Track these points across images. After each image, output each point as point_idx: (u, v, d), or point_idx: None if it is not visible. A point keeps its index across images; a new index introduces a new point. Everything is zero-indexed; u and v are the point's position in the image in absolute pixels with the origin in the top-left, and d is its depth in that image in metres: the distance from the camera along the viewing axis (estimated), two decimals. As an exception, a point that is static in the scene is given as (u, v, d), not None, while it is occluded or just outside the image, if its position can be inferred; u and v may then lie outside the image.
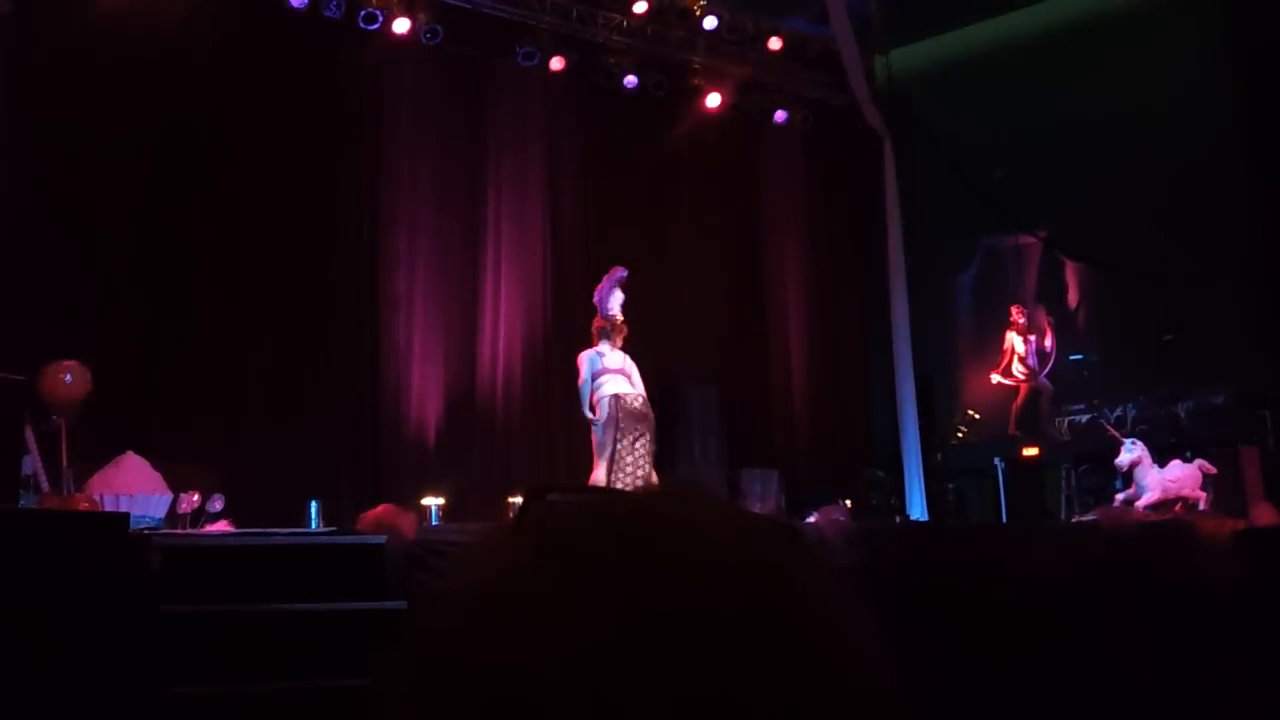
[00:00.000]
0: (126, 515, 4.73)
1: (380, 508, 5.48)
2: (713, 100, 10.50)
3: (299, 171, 8.42)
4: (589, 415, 7.49)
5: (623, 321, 7.71)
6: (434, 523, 7.16)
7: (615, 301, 7.76)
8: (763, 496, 9.00)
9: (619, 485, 7.33)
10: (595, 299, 7.87)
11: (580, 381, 7.60)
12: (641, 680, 0.53)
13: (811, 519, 7.39)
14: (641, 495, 0.66)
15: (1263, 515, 7.97)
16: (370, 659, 0.64)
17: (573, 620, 0.54)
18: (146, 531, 5.04)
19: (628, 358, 7.69)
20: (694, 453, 8.79)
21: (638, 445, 7.43)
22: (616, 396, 7.48)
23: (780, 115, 10.96)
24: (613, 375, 7.52)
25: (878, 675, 0.60)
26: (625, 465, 7.35)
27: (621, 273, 7.83)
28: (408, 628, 0.60)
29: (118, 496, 6.22)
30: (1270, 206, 9.35)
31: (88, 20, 7.59)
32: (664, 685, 0.53)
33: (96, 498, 6.03)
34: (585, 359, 7.63)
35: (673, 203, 10.41)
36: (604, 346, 7.62)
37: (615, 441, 7.37)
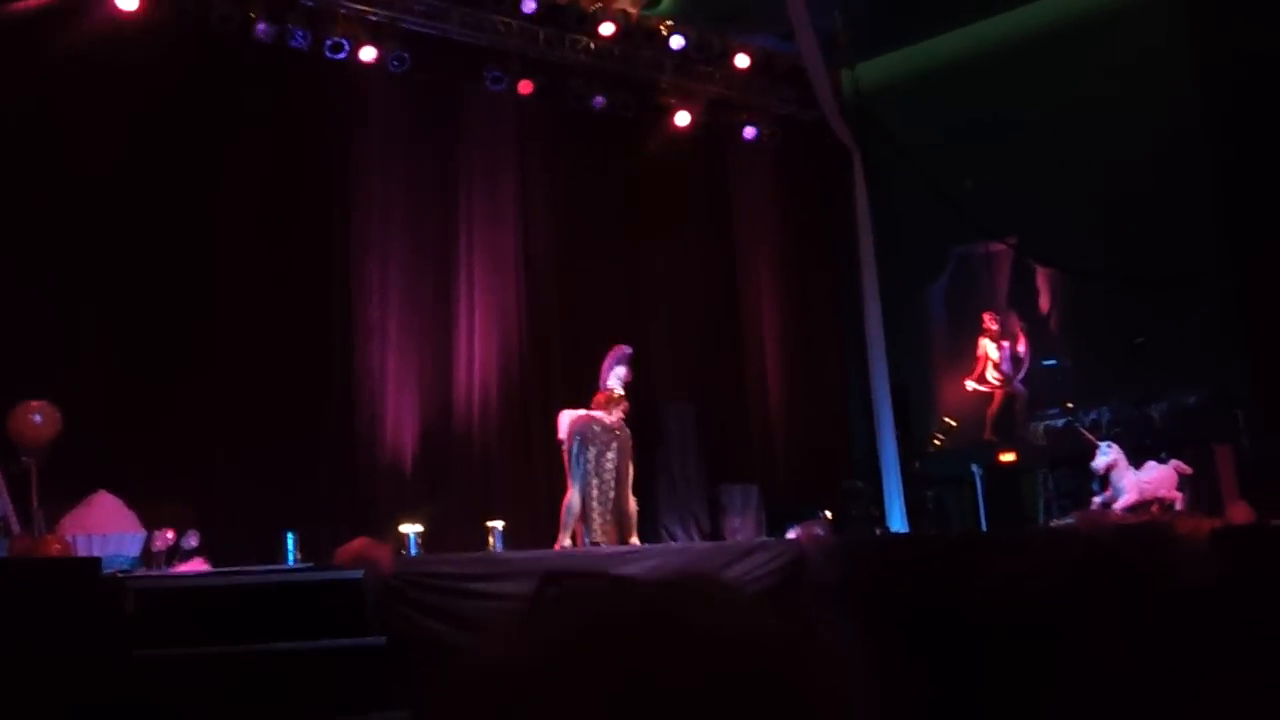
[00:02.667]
0: (98, 560, 4.68)
1: (356, 541, 5.45)
2: (682, 119, 10.53)
3: (269, 203, 8.39)
4: (561, 438, 7.52)
5: (621, 396, 7.68)
6: (413, 550, 7.13)
7: (615, 377, 7.73)
8: (743, 511, 9.00)
9: (590, 507, 7.30)
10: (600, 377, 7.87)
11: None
12: None
13: (791, 534, 7.40)
14: (657, 587, 0.66)
15: (1238, 514, 8.03)
16: None
17: (577, 706, 0.55)
18: (120, 575, 4.99)
19: (624, 425, 7.67)
20: (673, 471, 8.78)
21: (605, 461, 7.41)
22: (584, 415, 7.48)
23: (749, 132, 11.01)
24: (601, 424, 7.52)
25: None
26: (593, 485, 7.34)
27: (623, 351, 7.82)
28: (427, 703, 0.61)
29: (90, 536, 6.15)
30: (1237, 207, 9.46)
31: (50, 56, 7.55)
32: None
33: (69, 538, 5.96)
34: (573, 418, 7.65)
35: (645, 222, 10.42)
36: (599, 414, 7.61)
37: (584, 460, 7.36)
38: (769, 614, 0.64)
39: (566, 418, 7.63)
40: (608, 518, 7.31)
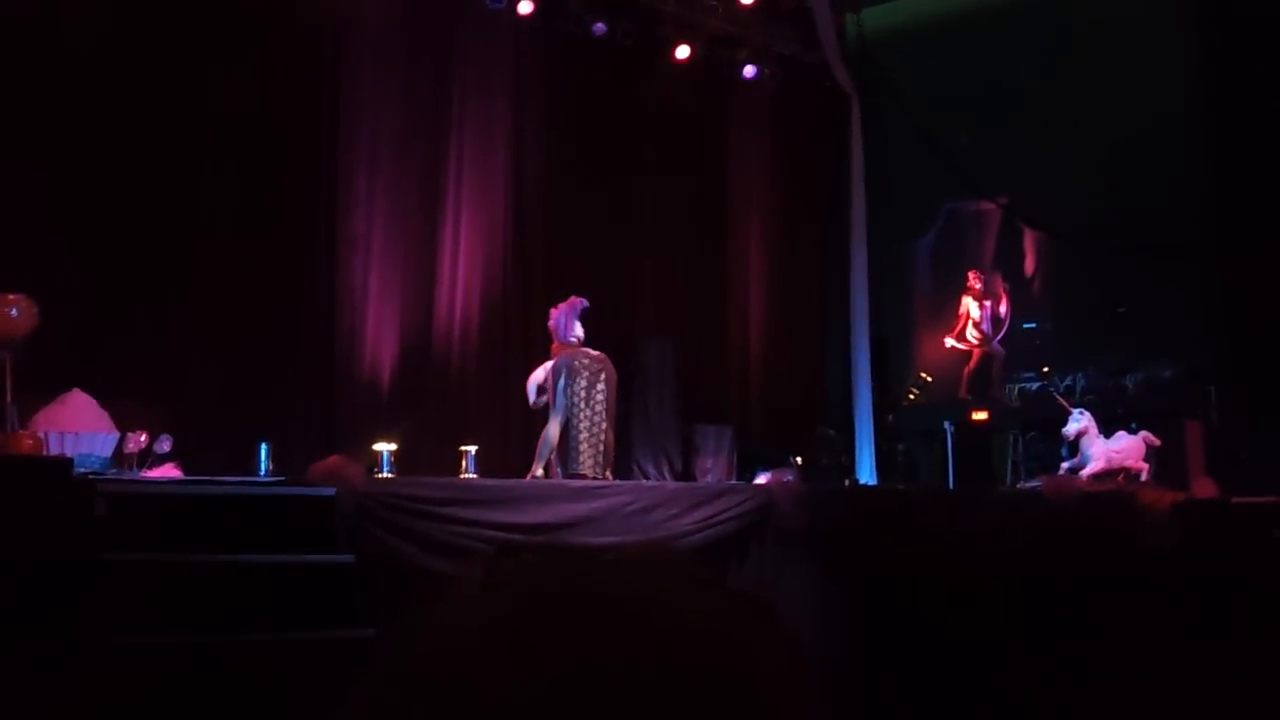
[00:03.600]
0: (70, 460, 4.67)
1: (330, 459, 5.45)
2: (682, 52, 10.38)
3: (259, 109, 8.24)
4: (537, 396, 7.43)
5: (582, 346, 7.55)
6: (385, 468, 7.13)
7: (578, 329, 7.54)
8: (715, 453, 9.06)
9: (578, 439, 7.27)
10: (551, 324, 7.65)
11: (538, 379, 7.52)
12: None
13: (762, 479, 7.46)
14: (614, 563, 0.65)
15: (1203, 488, 8.17)
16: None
17: (528, 690, 0.55)
18: (91, 477, 4.97)
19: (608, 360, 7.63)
20: (649, 408, 8.79)
21: (595, 394, 7.36)
22: (571, 349, 7.42)
23: (749, 70, 10.86)
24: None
25: None
26: (581, 417, 7.29)
27: (582, 303, 7.63)
28: (369, 688, 0.60)
29: (63, 434, 6.12)
30: (1229, 185, 9.46)
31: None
32: None
33: (41, 435, 5.93)
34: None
35: (637, 154, 10.32)
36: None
37: (570, 391, 7.29)
38: (728, 598, 0.63)
39: (537, 377, 7.55)
40: (598, 449, 7.29)
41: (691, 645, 0.58)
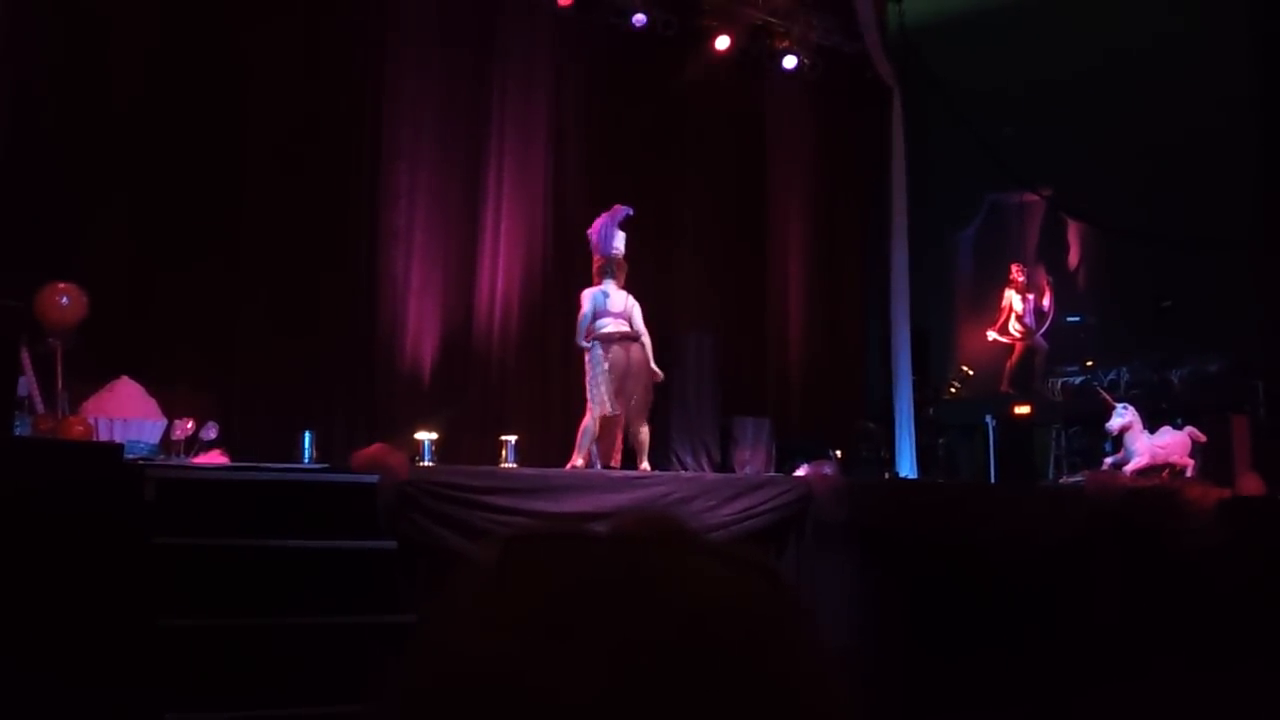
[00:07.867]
0: (121, 446, 4.75)
1: (374, 447, 5.51)
2: (722, 43, 10.36)
3: (301, 100, 8.32)
4: (582, 344, 7.47)
5: (624, 258, 7.69)
6: (427, 457, 7.19)
7: (619, 240, 7.70)
8: (753, 444, 9.04)
9: (610, 433, 7.33)
10: (594, 236, 7.79)
11: (580, 315, 7.56)
12: None
13: (800, 472, 7.44)
14: (623, 544, 0.64)
15: (1249, 485, 8.06)
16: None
17: (562, 687, 0.55)
18: (140, 462, 5.06)
19: (630, 297, 7.67)
20: (688, 399, 8.80)
21: (634, 401, 7.45)
22: (621, 347, 7.44)
23: (789, 61, 10.83)
24: (615, 319, 7.50)
25: (847, 710, 0.61)
26: (616, 415, 7.35)
27: (625, 211, 7.75)
28: (398, 697, 0.59)
29: (112, 421, 6.22)
30: (1275, 179, 9.31)
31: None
32: None
33: (91, 421, 6.03)
34: (588, 295, 7.62)
35: (677, 145, 10.32)
36: (609, 286, 7.59)
37: (611, 391, 7.34)
38: (744, 568, 0.63)
39: (588, 296, 7.62)
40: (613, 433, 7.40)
41: (721, 624, 0.58)
